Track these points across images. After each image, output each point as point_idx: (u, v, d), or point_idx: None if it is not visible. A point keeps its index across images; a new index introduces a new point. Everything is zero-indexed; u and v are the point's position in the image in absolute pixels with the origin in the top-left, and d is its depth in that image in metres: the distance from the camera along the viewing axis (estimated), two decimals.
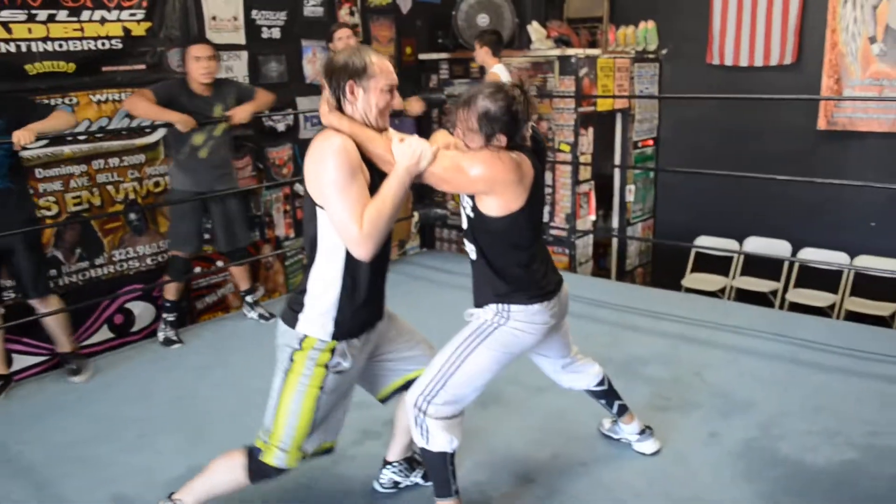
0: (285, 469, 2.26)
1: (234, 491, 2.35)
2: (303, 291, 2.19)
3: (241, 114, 4.16)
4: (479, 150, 2.25)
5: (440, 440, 2.35)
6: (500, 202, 2.24)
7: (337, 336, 2.17)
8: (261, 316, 4.59)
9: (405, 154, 2.09)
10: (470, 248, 2.41)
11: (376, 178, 2.10)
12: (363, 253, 2.04)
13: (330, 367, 2.18)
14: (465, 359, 2.36)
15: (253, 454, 2.27)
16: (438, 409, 2.35)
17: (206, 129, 4.10)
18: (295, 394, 2.18)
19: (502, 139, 2.25)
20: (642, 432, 2.92)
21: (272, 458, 2.23)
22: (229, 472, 2.31)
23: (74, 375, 3.78)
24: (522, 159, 2.26)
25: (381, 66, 2.12)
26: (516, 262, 2.36)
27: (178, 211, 4.21)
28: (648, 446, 2.92)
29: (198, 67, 4.02)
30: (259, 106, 4.31)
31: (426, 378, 2.37)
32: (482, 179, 2.19)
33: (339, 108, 2.14)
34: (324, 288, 2.15)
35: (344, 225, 2.02)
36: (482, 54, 5.09)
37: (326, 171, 2.01)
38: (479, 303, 2.43)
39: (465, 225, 2.41)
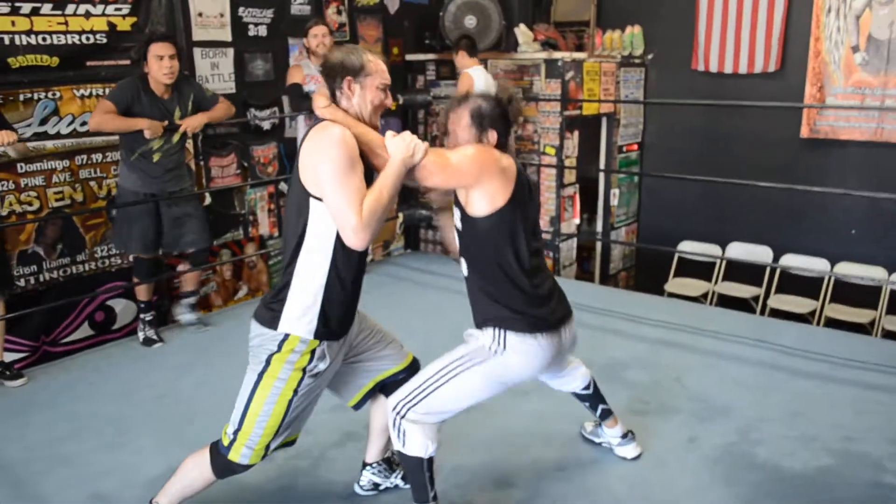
0: (243, 467, 2.27)
1: (204, 487, 2.34)
2: (284, 287, 2.17)
3: (193, 123, 4.01)
4: (469, 146, 2.31)
5: (416, 445, 2.33)
6: (485, 196, 2.25)
7: (319, 335, 2.17)
8: (199, 320, 4.43)
9: (400, 147, 2.14)
10: (463, 265, 2.41)
11: (367, 172, 2.13)
12: (360, 242, 2.05)
13: (307, 371, 2.18)
14: (453, 377, 2.33)
15: (219, 450, 2.27)
16: (418, 417, 2.34)
17: (164, 133, 3.94)
18: (268, 396, 2.18)
19: (493, 136, 2.33)
20: (624, 436, 2.93)
21: (238, 455, 2.23)
22: (197, 468, 2.32)
23: (13, 380, 3.70)
24: (505, 156, 2.33)
25: (378, 65, 2.21)
26: (509, 277, 2.32)
27: (130, 212, 4.03)
28: (629, 451, 2.93)
29: (160, 67, 3.84)
30: (214, 118, 4.15)
31: (411, 385, 2.36)
32: (469, 169, 2.24)
33: (335, 103, 2.20)
34: (309, 283, 2.15)
35: (343, 214, 2.03)
36: (459, 59, 5.34)
37: (327, 160, 2.04)
38: (478, 323, 2.40)
39: (456, 243, 2.42)
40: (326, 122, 2.13)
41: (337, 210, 2.04)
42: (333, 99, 2.20)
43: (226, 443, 2.25)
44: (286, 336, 2.15)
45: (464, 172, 2.24)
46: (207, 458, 2.29)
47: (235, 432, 2.23)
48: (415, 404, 2.33)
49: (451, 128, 2.37)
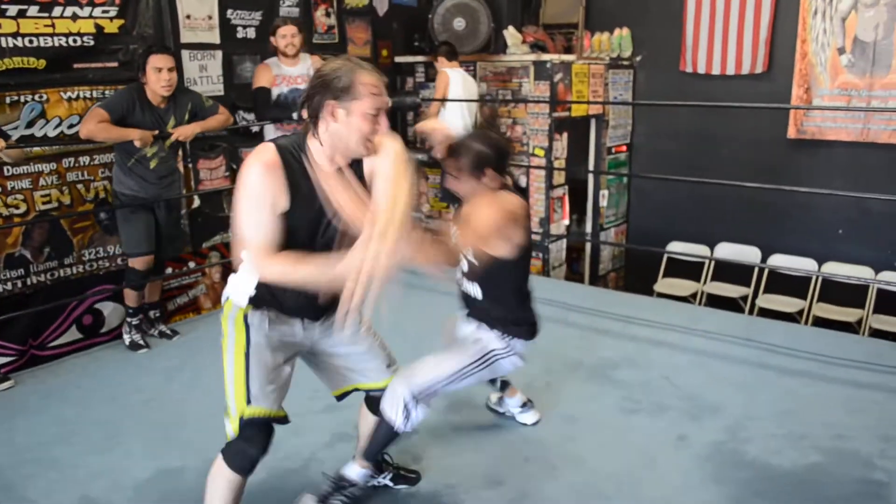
0: (241, 441, 2.14)
1: (231, 489, 2.21)
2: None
3: (185, 132, 3.99)
4: (483, 205, 2.40)
5: (412, 424, 2.46)
6: (508, 243, 2.46)
7: (253, 303, 2.14)
8: (161, 334, 4.31)
9: (347, 273, 1.86)
10: (473, 289, 2.59)
11: (306, 206, 1.99)
12: (259, 274, 2.02)
13: (250, 324, 2.15)
14: (470, 376, 2.58)
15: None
16: (428, 400, 2.49)
17: (156, 141, 3.93)
18: (228, 356, 2.17)
19: (492, 175, 2.44)
20: (524, 405, 3.17)
21: (227, 429, 2.17)
22: (216, 468, 2.22)
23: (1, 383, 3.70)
24: (512, 197, 2.48)
25: (371, 86, 1.95)
26: (517, 301, 2.63)
27: (133, 215, 4.04)
28: (530, 417, 3.16)
29: (158, 79, 3.83)
30: (208, 126, 4.12)
31: (432, 375, 2.48)
32: (502, 230, 2.40)
33: (314, 126, 2.00)
34: (246, 272, 2.14)
35: (250, 247, 1.98)
36: (438, 64, 5.48)
37: (243, 186, 1.95)
38: (486, 321, 2.63)
39: (465, 269, 2.58)
40: (266, 144, 2.00)
41: (245, 239, 1.98)
42: (314, 121, 1.98)
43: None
44: (227, 298, 2.20)
45: (497, 241, 2.42)
46: (220, 455, 2.21)
47: (226, 416, 2.18)
48: (433, 395, 2.49)
49: (452, 172, 2.49)
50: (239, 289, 2.16)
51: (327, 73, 1.95)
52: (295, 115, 4.56)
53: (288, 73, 4.70)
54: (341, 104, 1.94)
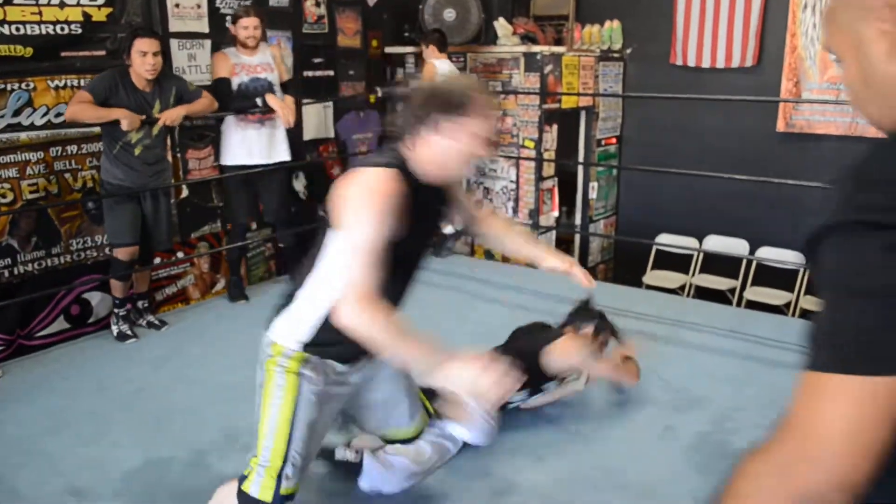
0: (262, 501, 1.96)
1: None
2: (289, 296, 1.98)
3: (172, 116, 3.98)
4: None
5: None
6: None
7: (307, 349, 1.96)
8: (150, 324, 4.30)
9: (462, 381, 1.71)
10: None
11: (414, 232, 1.83)
12: (342, 317, 1.73)
13: (303, 377, 1.95)
14: None
15: (240, 483, 2.02)
16: None
17: (143, 126, 3.92)
18: (269, 407, 1.95)
19: None
20: None
21: (250, 484, 1.97)
22: (227, 501, 2.08)
23: None
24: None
25: (486, 107, 1.80)
26: None
27: (118, 205, 4.01)
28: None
29: (143, 63, 3.82)
30: (194, 110, 4.12)
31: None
32: None
33: (411, 139, 1.84)
34: (309, 310, 1.94)
35: (352, 288, 1.72)
36: (429, 53, 5.34)
37: (359, 216, 1.72)
38: None
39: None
40: (378, 170, 1.79)
41: (347, 278, 1.73)
42: (404, 132, 1.82)
43: (245, 472, 2.01)
44: (273, 342, 1.99)
45: None
46: (233, 490, 2.03)
47: (252, 459, 2.00)
48: None
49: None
50: (294, 333, 1.94)
51: (440, 86, 1.84)
52: (259, 102, 4.47)
53: (247, 62, 4.54)
54: (450, 119, 1.78)
